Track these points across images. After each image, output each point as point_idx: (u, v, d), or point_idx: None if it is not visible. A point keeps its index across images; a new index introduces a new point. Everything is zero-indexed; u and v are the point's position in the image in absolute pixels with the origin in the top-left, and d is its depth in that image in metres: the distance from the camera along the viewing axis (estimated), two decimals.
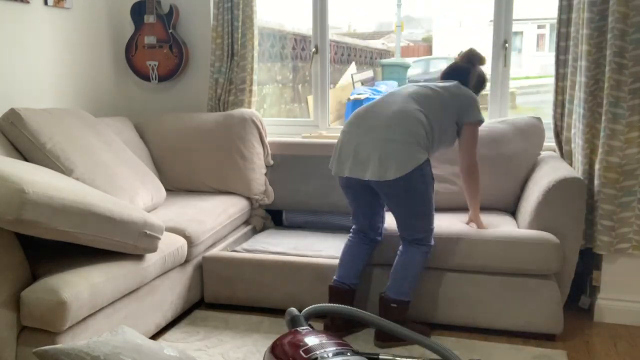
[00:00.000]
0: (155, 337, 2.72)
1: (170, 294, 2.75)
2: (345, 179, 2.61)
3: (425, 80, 2.83)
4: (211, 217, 3.07)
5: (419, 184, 2.47)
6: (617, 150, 2.76)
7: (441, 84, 2.71)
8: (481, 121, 2.68)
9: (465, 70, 2.81)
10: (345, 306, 1.60)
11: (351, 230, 2.78)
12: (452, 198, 3.18)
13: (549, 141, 3.28)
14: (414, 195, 2.49)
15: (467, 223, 2.83)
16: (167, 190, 3.62)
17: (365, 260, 2.72)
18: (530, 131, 3.12)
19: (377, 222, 2.72)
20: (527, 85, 14.69)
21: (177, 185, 3.59)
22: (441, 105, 2.61)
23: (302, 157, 3.55)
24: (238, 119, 3.51)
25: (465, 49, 2.90)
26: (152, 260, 2.52)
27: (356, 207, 2.70)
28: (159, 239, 2.48)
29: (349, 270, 2.69)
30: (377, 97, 2.76)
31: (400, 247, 2.64)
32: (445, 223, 2.81)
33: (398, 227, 2.62)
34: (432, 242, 2.64)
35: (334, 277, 2.71)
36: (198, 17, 3.80)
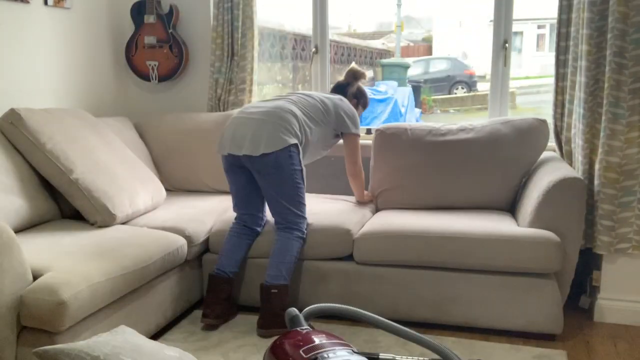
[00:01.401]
0: (155, 337, 2.72)
1: (170, 294, 2.75)
2: (224, 159, 2.84)
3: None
4: (211, 217, 3.07)
5: (287, 164, 2.71)
6: (617, 150, 2.76)
7: (326, 95, 3.07)
8: (357, 135, 3.07)
9: (346, 85, 3.26)
10: (345, 306, 1.60)
11: (234, 218, 2.95)
12: (451, 198, 3.18)
13: (549, 141, 3.28)
14: (282, 175, 2.72)
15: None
16: (167, 190, 3.62)
17: (245, 250, 2.88)
18: (533, 133, 3.11)
19: (256, 212, 2.90)
20: (527, 85, 14.69)
21: (177, 185, 3.59)
22: (321, 110, 2.95)
23: None
24: None
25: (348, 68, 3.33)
26: (152, 260, 2.52)
27: (235, 191, 2.88)
28: None
29: (229, 260, 2.83)
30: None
31: (276, 236, 2.81)
32: (445, 222, 2.81)
33: (271, 212, 2.83)
34: (305, 231, 2.83)
35: (215, 266, 2.85)
36: (198, 17, 3.80)
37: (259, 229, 2.92)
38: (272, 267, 2.75)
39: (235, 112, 2.94)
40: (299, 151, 2.78)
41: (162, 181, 3.61)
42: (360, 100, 3.28)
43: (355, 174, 3.14)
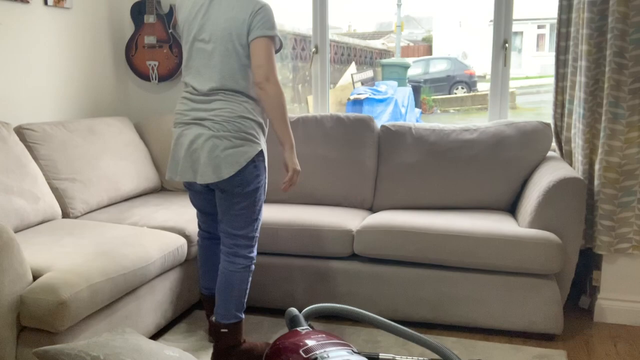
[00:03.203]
0: (155, 337, 2.72)
1: (170, 294, 2.75)
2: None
3: None
4: None
5: (253, 180, 2.42)
6: (617, 150, 2.76)
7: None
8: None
9: None
10: (345, 306, 1.60)
11: (202, 230, 2.64)
12: (452, 197, 3.18)
13: None
14: (246, 193, 2.38)
15: (285, 168, 2.43)
16: (167, 190, 3.62)
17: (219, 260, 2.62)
18: (537, 136, 3.10)
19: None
20: (527, 85, 14.69)
21: (177, 186, 3.59)
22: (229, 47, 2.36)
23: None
24: None
25: None
26: (152, 260, 2.52)
27: (201, 208, 2.57)
28: None
29: (213, 278, 2.62)
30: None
31: (221, 264, 2.44)
32: (446, 221, 2.81)
33: (220, 231, 2.47)
34: (254, 256, 2.47)
35: (202, 287, 2.65)
36: None
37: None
38: (220, 305, 2.41)
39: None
40: (264, 157, 2.39)
41: (162, 181, 3.61)
42: None
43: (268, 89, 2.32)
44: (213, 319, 2.46)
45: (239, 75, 2.33)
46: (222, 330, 2.41)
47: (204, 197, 2.52)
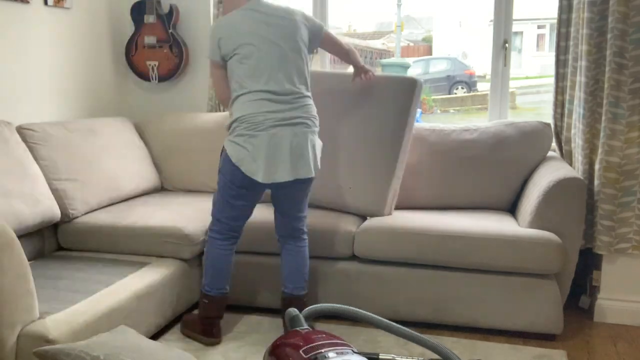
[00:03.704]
0: (155, 337, 2.72)
1: (170, 294, 2.75)
2: (252, 179, 2.55)
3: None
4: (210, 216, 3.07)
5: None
6: (617, 150, 2.76)
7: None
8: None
9: None
10: (345, 306, 1.60)
11: (220, 231, 2.62)
12: (452, 197, 3.18)
13: None
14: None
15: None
16: (167, 190, 3.62)
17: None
18: (537, 136, 3.11)
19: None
20: (527, 85, 14.69)
21: (177, 185, 3.59)
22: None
23: None
24: None
25: None
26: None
27: (244, 207, 2.61)
28: None
29: (227, 277, 2.64)
30: None
31: (297, 247, 2.68)
32: (446, 221, 2.81)
33: (288, 222, 2.68)
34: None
35: (223, 287, 2.62)
36: (198, 17, 3.80)
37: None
38: (299, 279, 2.67)
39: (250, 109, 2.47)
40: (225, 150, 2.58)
41: (162, 181, 3.61)
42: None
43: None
44: (286, 292, 2.67)
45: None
46: (305, 299, 2.69)
47: (257, 197, 2.58)
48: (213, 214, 2.62)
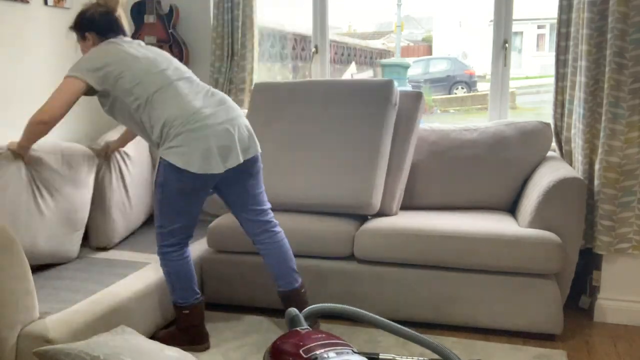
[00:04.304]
0: (155, 337, 2.72)
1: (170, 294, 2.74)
2: (202, 177, 2.43)
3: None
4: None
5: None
6: (617, 150, 2.76)
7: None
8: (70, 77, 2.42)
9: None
10: (345, 306, 1.60)
11: (177, 242, 2.50)
12: (452, 197, 3.18)
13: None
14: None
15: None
16: None
17: None
18: (537, 136, 3.11)
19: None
20: (527, 85, 14.68)
21: None
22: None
23: None
24: None
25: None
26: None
27: (194, 213, 2.52)
28: None
29: (195, 283, 2.57)
30: None
31: (274, 238, 2.66)
32: (446, 222, 2.81)
33: (259, 211, 2.64)
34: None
35: (195, 296, 2.56)
36: (198, 17, 3.80)
37: None
38: (289, 272, 2.67)
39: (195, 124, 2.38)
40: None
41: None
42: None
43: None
44: (281, 289, 2.68)
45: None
46: (303, 290, 2.70)
47: (206, 195, 2.50)
48: (162, 228, 2.46)
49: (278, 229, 2.69)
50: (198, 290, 2.57)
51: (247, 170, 2.54)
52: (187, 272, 2.52)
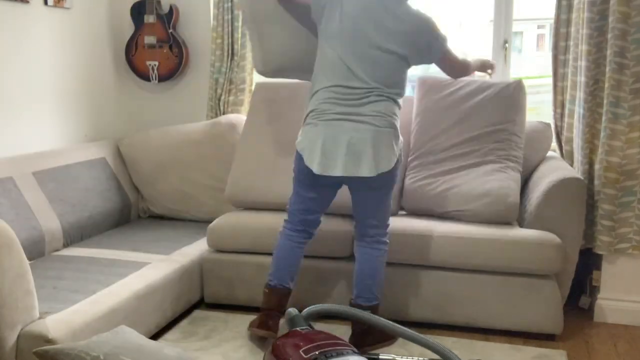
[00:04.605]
0: (155, 337, 2.72)
1: (170, 294, 2.75)
2: (315, 175, 2.53)
3: None
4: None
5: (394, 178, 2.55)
6: (617, 150, 2.76)
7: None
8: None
9: None
10: (346, 307, 1.60)
11: (297, 227, 2.61)
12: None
13: None
14: (389, 190, 2.56)
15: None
16: (154, 217, 3.58)
17: (300, 259, 2.66)
18: (537, 136, 3.10)
19: (322, 213, 2.67)
20: (527, 85, 14.67)
21: (164, 211, 3.54)
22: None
23: None
24: (226, 125, 3.45)
25: None
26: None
27: (319, 201, 2.60)
28: None
29: (289, 273, 2.61)
30: None
31: (364, 253, 2.57)
32: (445, 222, 2.81)
33: (362, 224, 2.59)
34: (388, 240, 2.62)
35: (276, 278, 2.59)
36: (198, 17, 3.80)
37: (316, 231, 2.68)
38: (363, 289, 2.54)
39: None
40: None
41: (151, 202, 3.53)
42: None
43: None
44: (354, 301, 2.54)
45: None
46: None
47: (328, 193, 2.56)
48: (288, 206, 2.65)
49: (376, 246, 2.56)
50: (288, 282, 2.61)
51: (357, 182, 2.51)
52: (287, 254, 2.62)
